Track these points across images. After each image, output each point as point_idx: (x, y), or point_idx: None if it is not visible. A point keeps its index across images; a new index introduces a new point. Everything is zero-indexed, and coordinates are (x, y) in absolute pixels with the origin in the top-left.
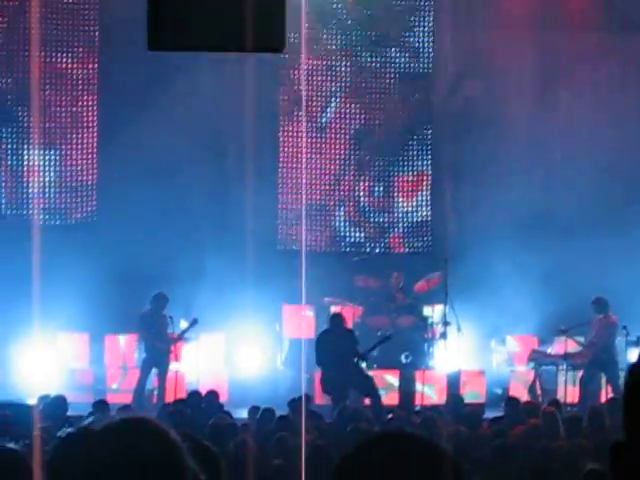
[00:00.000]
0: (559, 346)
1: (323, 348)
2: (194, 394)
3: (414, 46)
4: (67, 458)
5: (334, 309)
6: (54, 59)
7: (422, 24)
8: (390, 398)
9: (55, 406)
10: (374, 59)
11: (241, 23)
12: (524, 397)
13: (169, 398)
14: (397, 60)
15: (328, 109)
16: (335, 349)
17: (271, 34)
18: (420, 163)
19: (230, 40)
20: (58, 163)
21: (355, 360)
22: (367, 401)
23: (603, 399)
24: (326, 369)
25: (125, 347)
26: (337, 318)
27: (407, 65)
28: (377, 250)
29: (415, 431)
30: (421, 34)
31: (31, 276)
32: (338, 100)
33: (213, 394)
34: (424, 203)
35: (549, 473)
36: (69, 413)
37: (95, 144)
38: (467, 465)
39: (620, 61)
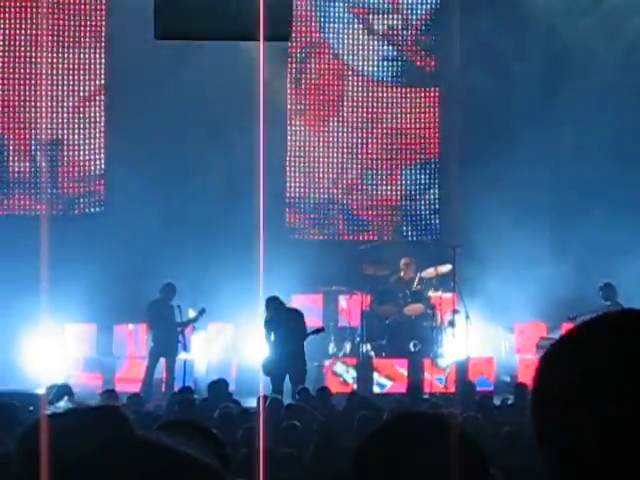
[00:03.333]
0: None
1: (270, 329)
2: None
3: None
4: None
5: (342, 297)
6: (61, 50)
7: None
8: (399, 386)
9: (60, 395)
10: (380, 48)
11: (249, 13)
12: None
13: (177, 387)
14: (408, 57)
15: (336, 98)
16: (281, 329)
17: (278, 23)
18: (428, 151)
19: (238, 29)
20: (66, 155)
21: (301, 345)
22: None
23: None
24: (271, 350)
25: (134, 336)
26: (274, 302)
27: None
28: (385, 238)
29: (431, 411)
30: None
31: (39, 268)
32: (346, 88)
33: (222, 382)
34: (432, 191)
35: None
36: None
37: (102, 136)
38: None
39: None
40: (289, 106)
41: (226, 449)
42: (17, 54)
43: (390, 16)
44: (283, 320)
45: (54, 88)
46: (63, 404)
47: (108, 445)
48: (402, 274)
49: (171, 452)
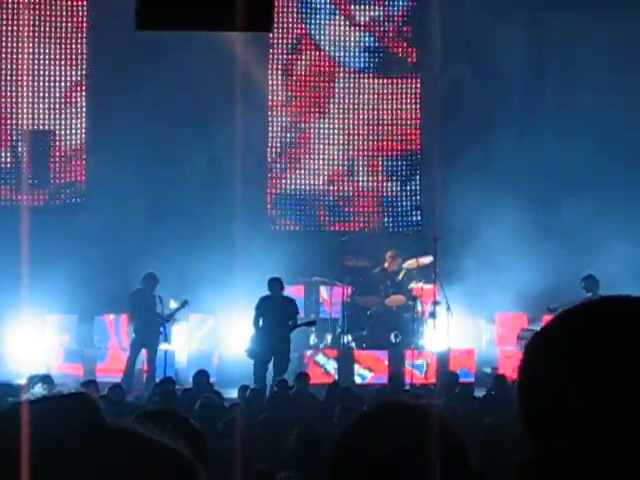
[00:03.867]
0: None
1: (260, 311)
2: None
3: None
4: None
5: (323, 288)
6: (43, 41)
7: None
8: (379, 377)
9: (41, 383)
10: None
11: (230, 3)
12: (513, 376)
13: (159, 378)
14: (389, 48)
15: (318, 89)
16: (272, 315)
17: (259, 14)
18: (409, 142)
19: (218, 20)
20: (47, 145)
21: (289, 331)
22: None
23: None
24: (258, 333)
25: (114, 327)
26: (276, 283)
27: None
28: (366, 230)
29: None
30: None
31: (19, 259)
32: (328, 79)
33: (203, 373)
34: (414, 182)
35: None
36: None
37: (84, 126)
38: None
39: (611, 40)
40: (270, 97)
41: (204, 439)
42: None
43: (372, 7)
44: (276, 305)
45: (36, 79)
46: (37, 390)
47: (76, 431)
48: (386, 265)
49: (141, 439)
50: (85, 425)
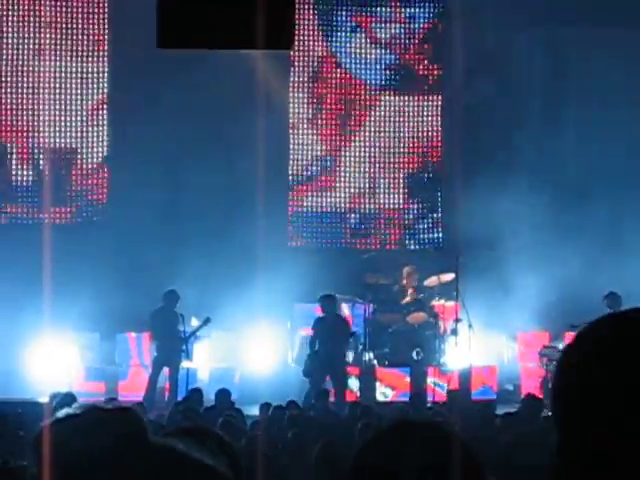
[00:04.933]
0: None
1: (318, 332)
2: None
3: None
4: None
5: (345, 306)
6: (64, 60)
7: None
8: (401, 395)
9: (64, 403)
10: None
11: (251, 21)
12: (536, 393)
13: (180, 396)
14: (411, 66)
15: (339, 107)
16: (327, 333)
17: (281, 32)
18: (430, 159)
19: (239, 38)
20: (69, 163)
21: (344, 348)
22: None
23: None
24: (314, 353)
25: (136, 345)
26: (329, 300)
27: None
28: (388, 247)
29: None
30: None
31: (42, 277)
32: (350, 97)
33: (225, 392)
34: (435, 199)
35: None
36: None
37: (106, 144)
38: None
39: (632, 55)
40: (292, 114)
41: (238, 458)
42: (21, 64)
43: (393, 25)
44: (331, 324)
45: (57, 97)
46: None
47: (121, 447)
48: (404, 282)
49: (185, 458)
50: (130, 440)
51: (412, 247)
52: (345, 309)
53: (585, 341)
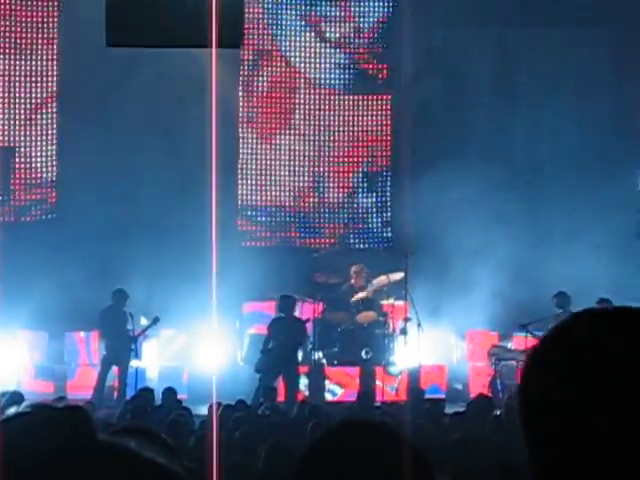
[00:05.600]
0: (519, 341)
1: (273, 334)
2: (145, 390)
3: (375, 49)
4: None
5: (299, 305)
6: (12, 58)
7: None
8: (350, 394)
9: (12, 401)
10: (334, 59)
11: (200, 19)
12: (484, 392)
13: (129, 395)
14: (357, 60)
15: (288, 106)
16: (283, 336)
17: (230, 30)
18: (379, 158)
19: (189, 36)
20: (17, 162)
21: (297, 350)
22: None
23: None
24: (268, 354)
25: (85, 344)
26: (287, 301)
27: (366, 64)
28: (337, 246)
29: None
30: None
31: None
32: (298, 96)
33: (171, 391)
34: (384, 198)
35: (511, 468)
36: None
37: (54, 143)
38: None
39: (581, 55)
40: (240, 113)
41: (180, 459)
42: None
43: (342, 24)
44: (288, 327)
45: (5, 96)
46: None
47: (70, 446)
48: (353, 282)
49: (137, 457)
50: (80, 439)
51: (362, 246)
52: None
53: (567, 344)
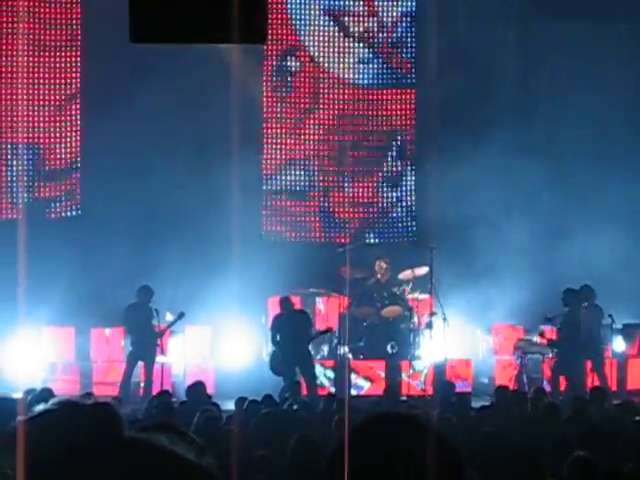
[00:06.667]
0: (545, 335)
1: (276, 329)
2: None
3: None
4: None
5: (320, 300)
6: (37, 55)
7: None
8: (376, 388)
9: (41, 399)
10: (356, 49)
11: (224, 15)
12: (510, 386)
13: (155, 390)
14: (380, 54)
15: (313, 101)
16: (287, 330)
17: (254, 25)
18: (404, 153)
19: (212, 32)
20: (42, 159)
21: (307, 342)
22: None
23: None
24: (278, 349)
25: (111, 340)
26: (285, 301)
27: (390, 58)
28: (362, 240)
29: (407, 411)
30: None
31: (16, 271)
32: (323, 90)
33: (200, 385)
34: (409, 193)
35: (537, 460)
36: None
37: (78, 140)
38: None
39: (601, 50)
40: (265, 108)
41: (207, 455)
42: None
43: (366, 18)
44: (289, 320)
45: (30, 92)
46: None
47: (98, 442)
48: (379, 276)
49: (165, 453)
50: (107, 435)
51: (387, 240)
52: (320, 303)
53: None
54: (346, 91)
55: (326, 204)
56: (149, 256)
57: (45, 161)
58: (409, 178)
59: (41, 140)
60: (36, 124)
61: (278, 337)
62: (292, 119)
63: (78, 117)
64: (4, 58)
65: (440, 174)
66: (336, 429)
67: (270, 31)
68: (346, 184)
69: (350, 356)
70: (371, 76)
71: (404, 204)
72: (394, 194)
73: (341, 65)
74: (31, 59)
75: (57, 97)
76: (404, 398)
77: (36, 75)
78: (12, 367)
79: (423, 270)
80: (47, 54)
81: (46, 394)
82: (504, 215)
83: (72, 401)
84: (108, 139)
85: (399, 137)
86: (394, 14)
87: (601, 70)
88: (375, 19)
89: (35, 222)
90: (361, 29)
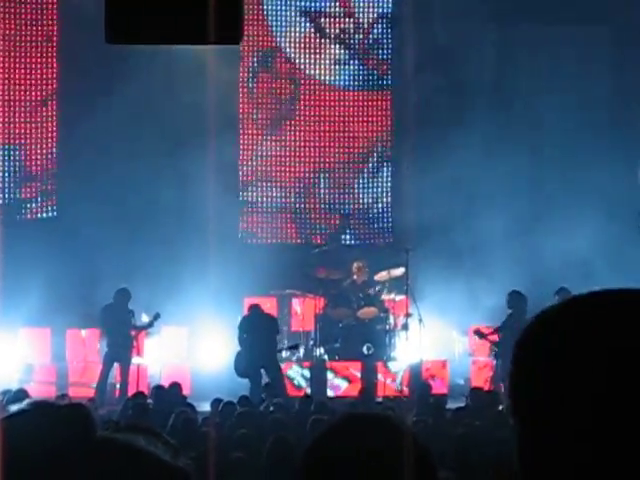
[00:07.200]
0: None
1: (243, 329)
2: (158, 388)
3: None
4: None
5: (296, 301)
6: (12, 56)
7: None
8: (352, 389)
9: (16, 399)
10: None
11: (199, 15)
12: (486, 387)
13: (131, 392)
14: (357, 55)
15: (289, 102)
16: (254, 331)
17: (229, 26)
18: (380, 154)
19: (188, 33)
20: (17, 160)
21: (273, 345)
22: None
23: None
24: (243, 350)
25: (87, 341)
26: (255, 307)
27: (366, 60)
28: (338, 242)
29: (380, 412)
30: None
31: None
32: (298, 92)
33: (176, 386)
34: (385, 194)
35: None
36: None
37: (54, 140)
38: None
39: (579, 52)
40: (241, 110)
41: (182, 456)
42: None
43: (342, 19)
44: (258, 322)
45: (5, 93)
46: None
47: (71, 444)
48: (355, 277)
49: (139, 454)
50: (80, 437)
51: (362, 241)
52: (296, 304)
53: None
54: (322, 92)
55: (302, 205)
56: (125, 257)
57: (21, 162)
58: (385, 179)
59: (17, 141)
60: (12, 125)
61: (245, 336)
62: (268, 119)
63: (54, 118)
64: None
65: (416, 175)
66: (311, 430)
67: (246, 32)
68: (322, 185)
69: (326, 357)
70: (348, 77)
71: (380, 205)
72: (370, 195)
73: (317, 65)
74: (7, 59)
75: (33, 98)
76: (380, 399)
77: (12, 75)
78: None
79: (399, 271)
80: (23, 54)
81: (21, 395)
82: (481, 216)
83: (45, 402)
84: (84, 140)
85: (375, 138)
86: (370, 15)
87: (577, 70)
88: (351, 20)
89: (11, 223)
90: (337, 30)
